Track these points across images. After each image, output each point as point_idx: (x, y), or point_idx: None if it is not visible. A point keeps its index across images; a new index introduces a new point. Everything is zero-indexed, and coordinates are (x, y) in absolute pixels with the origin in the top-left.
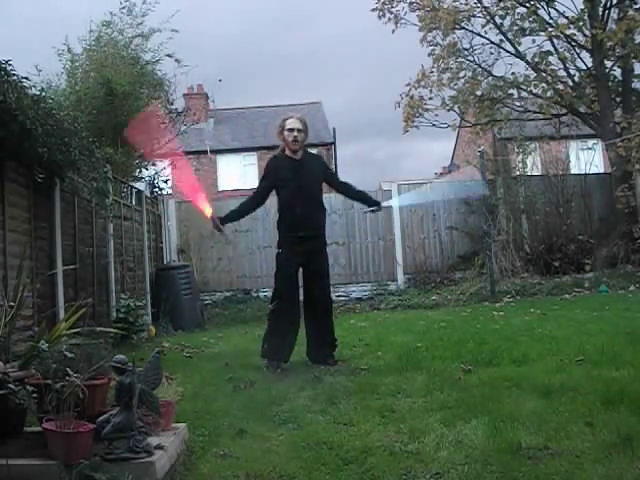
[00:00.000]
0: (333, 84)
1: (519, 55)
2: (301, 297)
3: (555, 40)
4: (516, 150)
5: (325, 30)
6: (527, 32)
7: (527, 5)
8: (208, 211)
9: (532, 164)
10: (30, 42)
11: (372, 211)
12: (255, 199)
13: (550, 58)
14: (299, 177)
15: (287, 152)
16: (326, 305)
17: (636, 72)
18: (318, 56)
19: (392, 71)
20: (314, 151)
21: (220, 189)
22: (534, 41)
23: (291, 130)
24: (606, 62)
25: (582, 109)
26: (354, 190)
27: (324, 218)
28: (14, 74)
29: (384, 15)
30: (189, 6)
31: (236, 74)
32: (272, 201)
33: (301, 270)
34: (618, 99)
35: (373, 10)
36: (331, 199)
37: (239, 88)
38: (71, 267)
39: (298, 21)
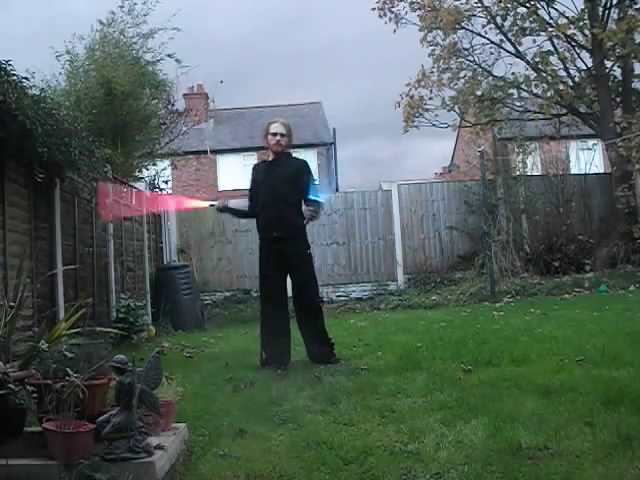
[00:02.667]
0: (336, 84)
1: (519, 55)
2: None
3: (555, 40)
4: (516, 150)
5: (328, 30)
6: (527, 32)
7: (527, 5)
8: (203, 204)
9: (532, 164)
10: (32, 41)
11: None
12: (251, 207)
13: (550, 58)
14: (270, 178)
15: (269, 156)
16: (312, 309)
17: (636, 72)
18: (321, 56)
19: (394, 71)
20: (314, 151)
21: (220, 189)
22: (534, 41)
23: (274, 134)
24: (606, 62)
25: (582, 109)
26: (309, 207)
27: (298, 219)
28: (14, 74)
29: (385, 15)
30: (192, 6)
31: (238, 74)
32: None
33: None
34: (618, 99)
35: (373, 9)
36: (331, 198)
37: (240, 88)
38: (71, 267)
39: (300, 21)
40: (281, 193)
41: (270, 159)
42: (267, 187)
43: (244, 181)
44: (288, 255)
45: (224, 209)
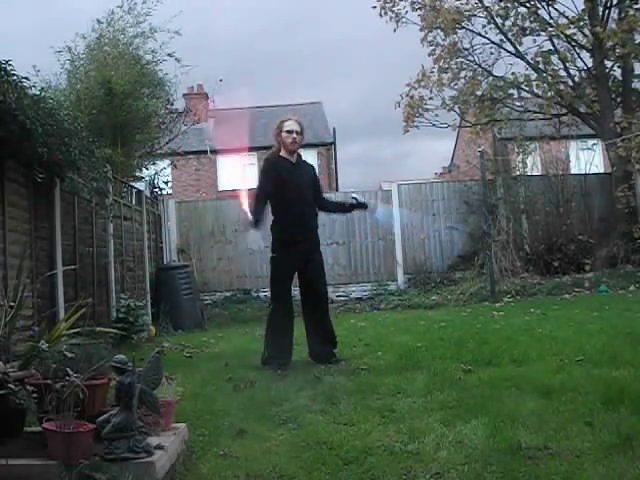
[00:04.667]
0: (337, 83)
1: (519, 55)
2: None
3: (555, 40)
4: (516, 150)
5: (329, 30)
6: (527, 32)
7: (527, 5)
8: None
9: (532, 164)
10: (33, 40)
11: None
12: (263, 198)
13: (550, 58)
14: (296, 178)
15: (283, 154)
16: (325, 305)
17: (636, 72)
18: (322, 56)
19: (396, 70)
20: (314, 151)
21: (220, 189)
22: (534, 41)
23: (290, 132)
24: (606, 62)
25: (582, 109)
26: (333, 203)
27: (317, 221)
28: (14, 74)
29: (385, 14)
30: (193, 6)
31: (241, 73)
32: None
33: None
34: (618, 99)
35: (374, 7)
36: (331, 199)
37: (244, 88)
38: (71, 267)
39: (302, 22)
40: (307, 196)
41: (293, 159)
42: (294, 188)
43: (244, 181)
44: (307, 254)
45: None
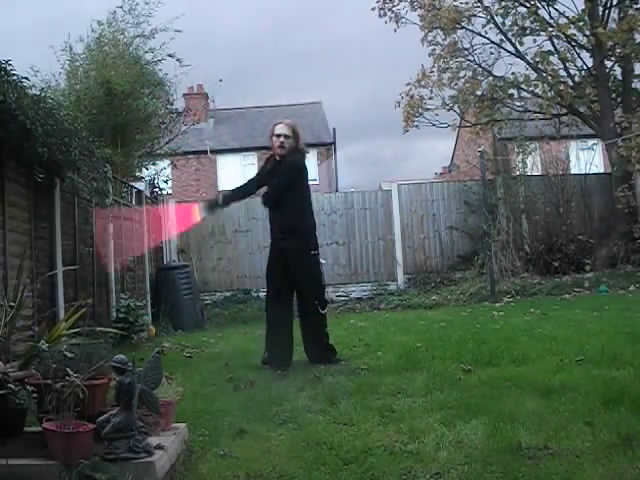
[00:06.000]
0: (339, 83)
1: (519, 55)
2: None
3: (555, 40)
4: (516, 150)
5: (330, 30)
6: (527, 32)
7: (527, 5)
8: (199, 213)
9: (532, 164)
10: (38, 40)
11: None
12: (244, 186)
13: (550, 58)
14: (271, 179)
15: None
16: (314, 313)
17: (636, 72)
18: (323, 56)
19: (397, 70)
20: (314, 151)
21: (220, 189)
22: (535, 41)
23: (278, 136)
24: (606, 62)
25: (582, 109)
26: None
27: (299, 221)
28: (14, 74)
29: (385, 14)
30: (196, 6)
31: (243, 73)
32: None
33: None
34: (618, 99)
35: (373, 9)
36: (331, 198)
37: (244, 87)
38: (71, 267)
39: (303, 21)
40: (279, 195)
41: (278, 159)
42: (270, 188)
43: (244, 181)
44: (289, 255)
45: (225, 201)
